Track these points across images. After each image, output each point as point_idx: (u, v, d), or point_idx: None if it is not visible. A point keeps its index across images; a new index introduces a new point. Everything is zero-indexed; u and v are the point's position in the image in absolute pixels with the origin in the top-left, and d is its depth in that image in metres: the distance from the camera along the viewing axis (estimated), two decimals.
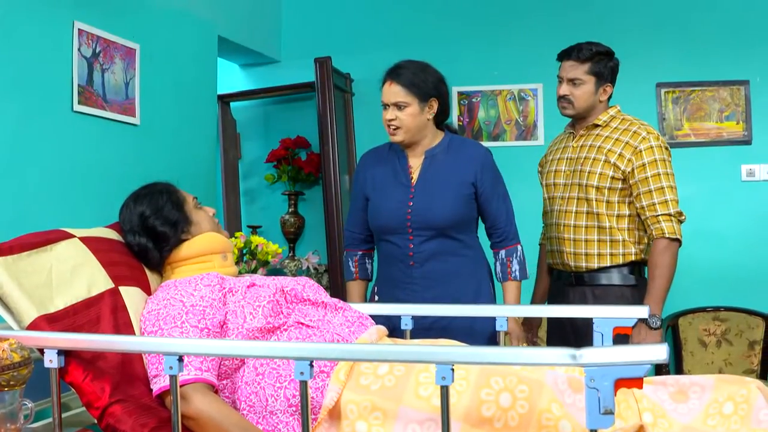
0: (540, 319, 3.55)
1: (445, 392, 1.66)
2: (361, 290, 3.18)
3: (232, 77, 5.21)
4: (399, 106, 2.89)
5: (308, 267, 4.75)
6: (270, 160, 5.03)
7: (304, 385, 1.73)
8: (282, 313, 2.24)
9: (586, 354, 1.57)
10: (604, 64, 3.08)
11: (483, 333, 2.87)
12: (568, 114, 3.17)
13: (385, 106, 2.93)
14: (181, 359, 1.80)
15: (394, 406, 1.97)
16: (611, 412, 1.55)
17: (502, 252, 3.01)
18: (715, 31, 4.51)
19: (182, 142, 3.92)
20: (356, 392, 2.01)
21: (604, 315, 2.40)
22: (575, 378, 2.04)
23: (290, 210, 5.07)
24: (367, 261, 3.19)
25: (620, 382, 1.56)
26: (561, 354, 1.60)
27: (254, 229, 4.86)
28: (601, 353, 1.57)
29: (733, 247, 4.49)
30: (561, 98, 3.14)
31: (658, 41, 4.58)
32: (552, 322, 3.38)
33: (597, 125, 3.14)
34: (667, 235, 2.98)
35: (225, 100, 5.03)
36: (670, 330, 4.38)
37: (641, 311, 2.39)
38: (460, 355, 1.69)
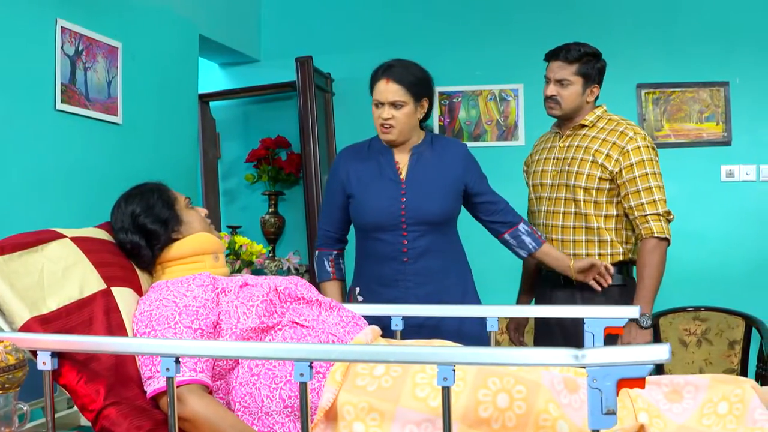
0: (527, 320, 3.55)
1: (446, 393, 1.65)
2: (339, 291, 3.11)
3: (211, 76, 5.16)
4: (396, 105, 2.84)
5: (289, 267, 4.72)
6: (250, 160, 5.00)
7: (303, 386, 1.72)
8: (276, 313, 2.22)
9: (588, 354, 1.57)
10: (591, 65, 3.08)
11: (471, 333, 2.85)
12: (555, 114, 3.17)
13: (379, 104, 2.88)
14: (177, 361, 1.78)
15: (392, 407, 1.95)
16: (613, 413, 1.55)
17: (521, 225, 3.04)
18: (696, 33, 4.55)
19: (164, 142, 3.88)
20: (353, 393, 1.99)
21: (595, 315, 2.41)
22: (571, 378, 2.04)
23: (270, 210, 5.04)
24: (341, 261, 3.13)
25: (622, 383, 1.56)
26: (563, 354, 1.60)
27: (234, 230, 4.83)
28: (604, 353, 1.57)
29: (713, 247, 4.54)
30: (548, 99, 3.14)
31: (638, 42, 4.61)
32: (539, 322, 3.38)
33: (584, 125, 3.15)
34: (656, 235, 2.99)
35: (204, 99, 4.98)
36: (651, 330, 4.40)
37: (632, 311, 2.40)
38: (462, 355, 1.68)
